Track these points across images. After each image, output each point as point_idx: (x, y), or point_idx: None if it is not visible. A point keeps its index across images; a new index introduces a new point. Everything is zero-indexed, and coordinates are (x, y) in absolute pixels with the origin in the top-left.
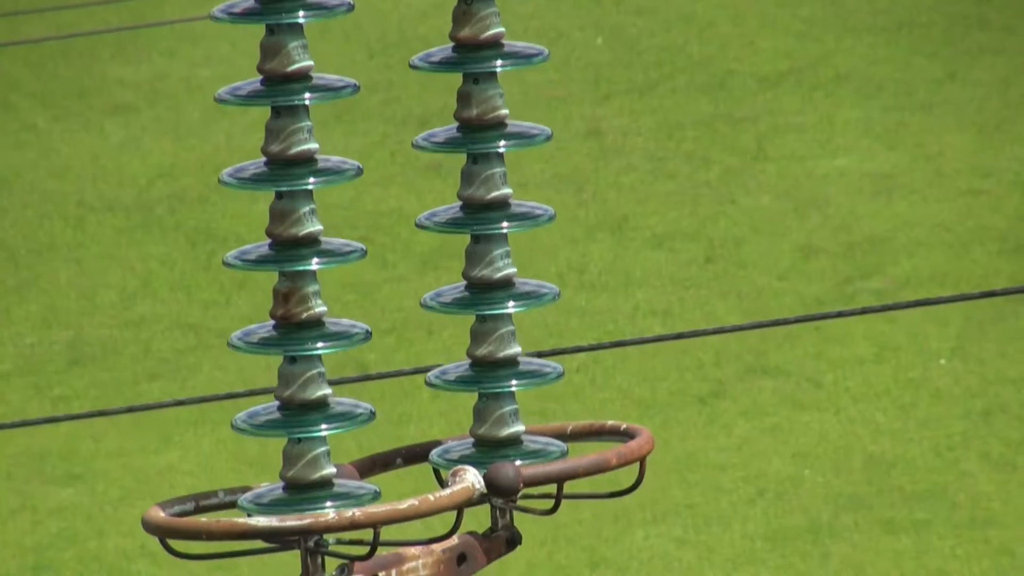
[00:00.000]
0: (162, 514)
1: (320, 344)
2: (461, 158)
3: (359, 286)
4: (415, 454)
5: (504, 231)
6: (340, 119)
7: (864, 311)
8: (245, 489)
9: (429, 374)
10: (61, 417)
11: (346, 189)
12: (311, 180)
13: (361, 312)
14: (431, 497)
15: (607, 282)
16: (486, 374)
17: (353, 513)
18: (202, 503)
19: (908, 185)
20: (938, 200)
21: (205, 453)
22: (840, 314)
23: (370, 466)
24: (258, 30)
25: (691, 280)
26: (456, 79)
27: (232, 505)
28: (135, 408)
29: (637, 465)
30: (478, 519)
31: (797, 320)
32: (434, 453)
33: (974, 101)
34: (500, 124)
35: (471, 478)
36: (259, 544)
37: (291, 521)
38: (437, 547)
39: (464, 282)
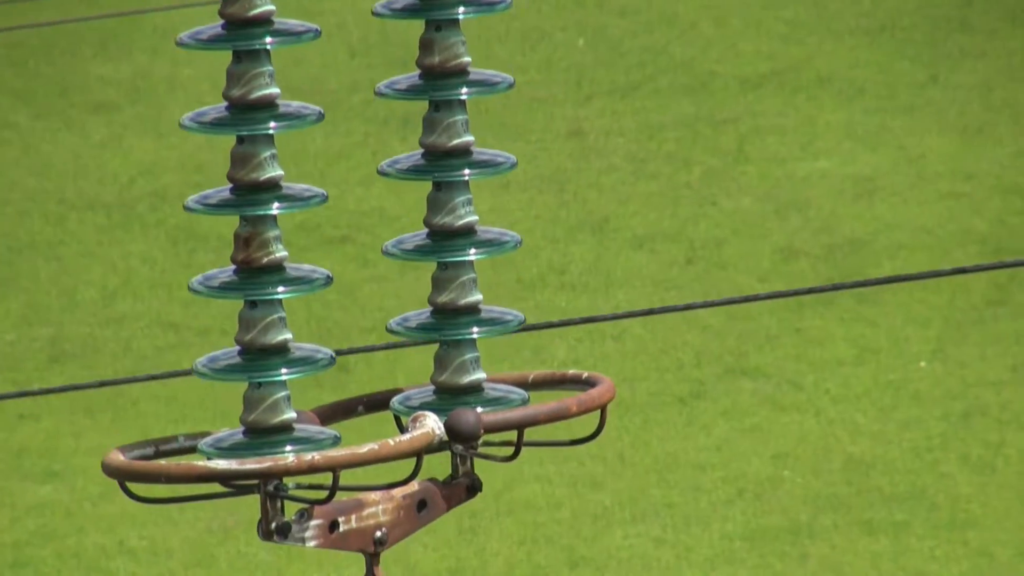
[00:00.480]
0: (122, 457)
1: (281, 288)
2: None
3: (340, 285)
4: (376, 402)
5: (465, 178)
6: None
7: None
8: (206, 434)
9: (390, 322)
10: (36, 392)
11: (328, 188)
12: (272, 124)
13: (342, 311)
14: (391, 442)
15: (588, 282)
16: (447, 321)
17: (312, 457)
18: (162, 448)
19: (889, 187)
20: (919, 203)
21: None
22: (812, 290)
23: (331, 414)
24: None
25: (672, 281)
26: None
27: (192, 450)
28: (107, 383)
29: (598, 413)
30: (439, 468)
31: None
32: (395, 400)
33: (956, 104)
34: (462, 71)
35: (431, 423)
36: (219, 488)
37: (250, 464)
38: (397, 493)
39: (426, 230)
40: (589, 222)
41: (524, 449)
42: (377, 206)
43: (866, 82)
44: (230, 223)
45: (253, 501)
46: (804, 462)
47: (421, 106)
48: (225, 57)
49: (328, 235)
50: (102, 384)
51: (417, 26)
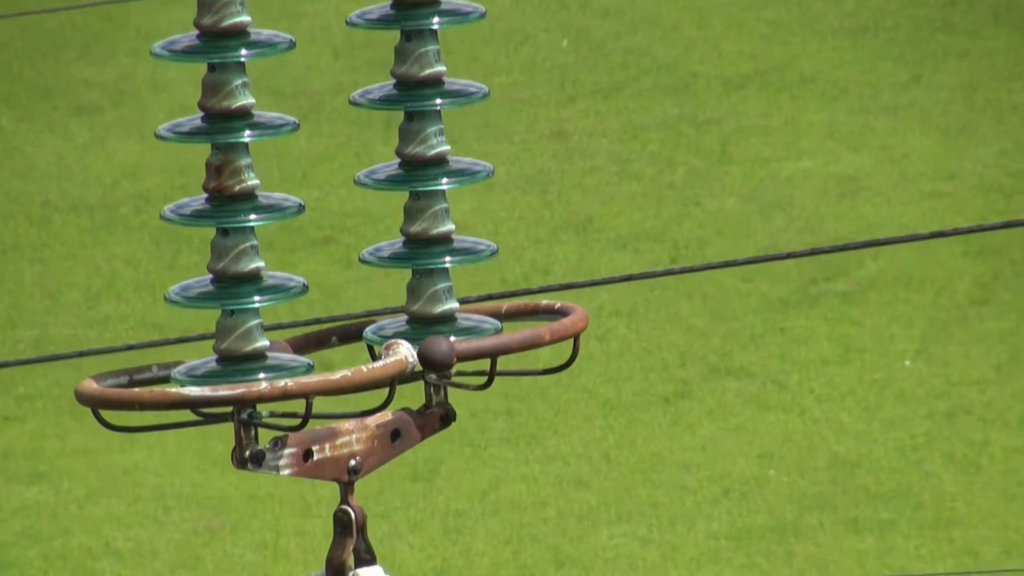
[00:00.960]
0: (95, 386)
1: (253, 216)
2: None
3: (324, 286)
4: (350, 333)
5: (437, 108)
6: (305, 119)
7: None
8: (179, 363)
9: (364, 252)
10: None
11: (311, 189)
12: (243, 52)
13: (326, 312)
14: (364, 368)
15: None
16: (420, 250)
17: (286, 383)
18: (136, 377)
19: (873, 187)
20: (903, 202)
21: (170, 452)
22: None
23: (304, 344)
24: None
25: (656, 281)
26: None
27: (166, 380)
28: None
29: (571, 342)
30: (413, 400)
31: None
32: (368, 330)
33: (939, 104)
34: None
35: (404, 351)
36: (193, 417)
37: (224, 391)
38: (371, 422)
39: (398, 160)
40: (573, 222)
41: (503, 440)
42: (361, 207)
43: (849, 82)
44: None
45: (241, 505)
46: (789, 461)
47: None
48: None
49: (312, 236)
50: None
51: None
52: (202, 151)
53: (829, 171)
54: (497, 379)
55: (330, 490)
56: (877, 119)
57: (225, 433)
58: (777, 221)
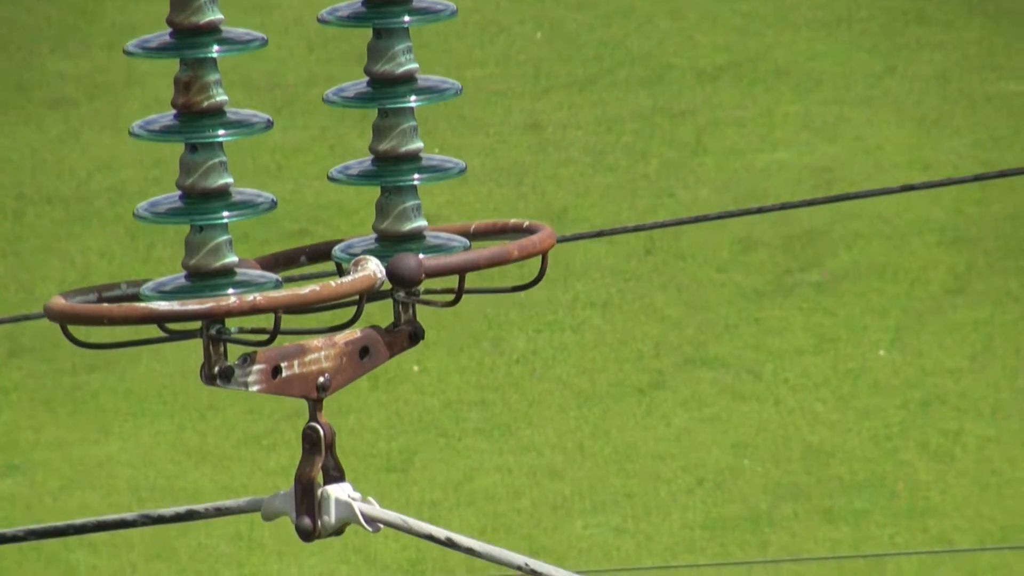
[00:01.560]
0: (64, 301)
1: (221, 132)
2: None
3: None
4: (319, 252)
5: (406, 25)
6: (279, 113)
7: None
8: (148, 280)
9: (332, 170)
10: None
11: (286, 182)
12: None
13: None
14: (333, 284)
15: (546, 274)
16: (388, 168)
17: (255, 298)
18: (104, 294)
19: (847, 178)
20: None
21: (144, 444)
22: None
23: (273, 264)
24: None
25: (630, 272)
26: None
27: (135, 298)
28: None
29: (539, 259)
30: (382, 318)
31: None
32: (337, 249)
33: (913, 95)
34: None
35: (373, 267)
36: (163, 334)
37: (192, 305)
38: (339, 339)
39: (366, 78)
40: (547, 214)
41: (477, 431)
42: (335, 200)
43: (823, 74)
44: None
45: (215, 496)
46: (764, 451)
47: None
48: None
49: (287, 229)
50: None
51: None
52: (177, 145)
53: (804, 162)
54: (472, 369)
55: None
56: (851, 110)
57: (199, 425)
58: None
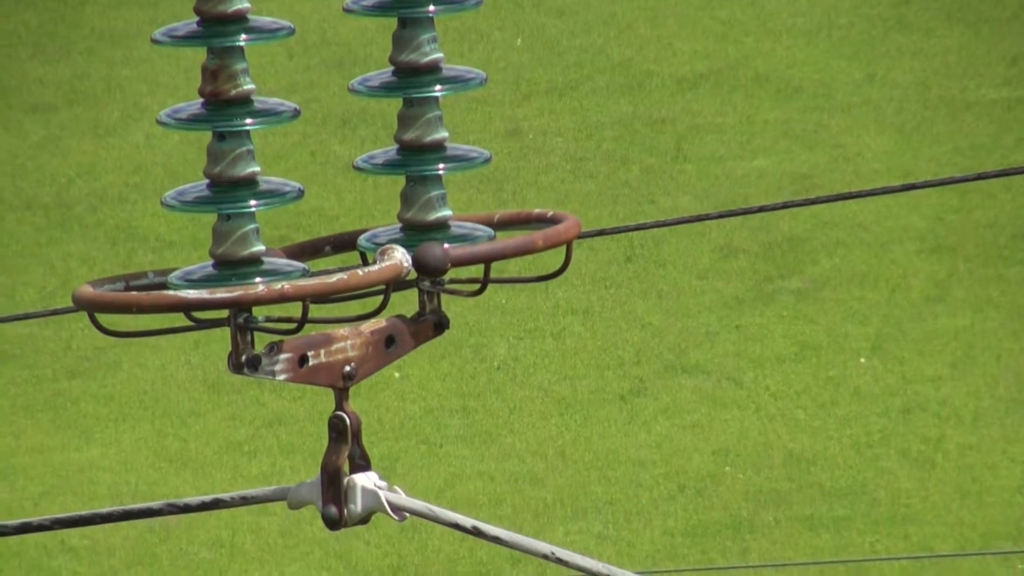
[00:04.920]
0: (92, 290)
1: (249, 120)
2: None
3: None
4: (344, 242)
5: (430, 14)
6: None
7: None
8: (175, 270)
9: (358, 160)
10: None
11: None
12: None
13: (281, 309)
14: (360, 272)
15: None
16: (413, 158)
17: (283, 286)
18: (132, 283)
19: (827, 186)
20: (857, 201)
21: (126, 450)
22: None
23: (299, 253)
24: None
25: (611, 279)
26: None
27: (162, 286)
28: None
29: (563, 249)
30: (407, 308)
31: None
32: (362, 238)
33: (893, 102)
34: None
35: (400, 256)
36: (189, 322)
37: (221, 294)
38: (365, 328)
39: (391, 67)
40: None
41: (459, 437)
42: (316, 206)
43: (803, 81)
44: (168, 223)
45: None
46: (745, 458)
47: (358, 106)
48: (166, 61)
49: (267, 236)
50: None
51: (356, 27)
52: (160, 148)
53: (783, 169)
54: (453, 376)
55: (289, 478)
56: (831, 117)
57: (180, 431)
58: (732, 220)
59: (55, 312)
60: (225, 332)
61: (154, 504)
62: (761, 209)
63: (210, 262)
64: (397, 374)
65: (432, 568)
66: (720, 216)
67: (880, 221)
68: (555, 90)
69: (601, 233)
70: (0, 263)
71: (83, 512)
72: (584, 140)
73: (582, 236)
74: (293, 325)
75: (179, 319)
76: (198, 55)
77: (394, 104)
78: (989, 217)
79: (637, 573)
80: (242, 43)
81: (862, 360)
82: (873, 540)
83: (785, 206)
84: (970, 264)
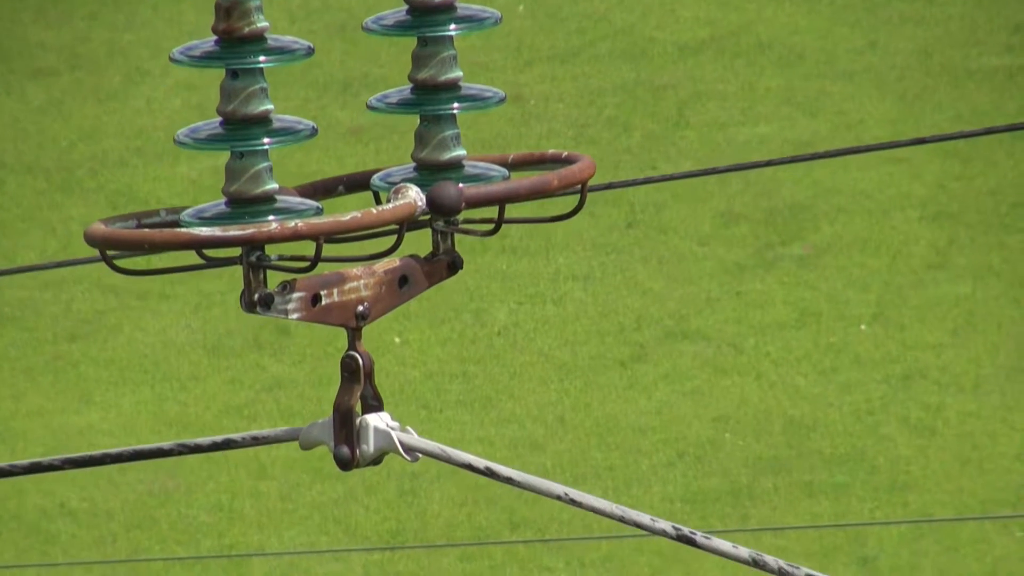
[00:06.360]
0: (104, 228)
1: (263, 58)
2: (383, 127)
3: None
4: (357, 182)
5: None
6: None
7: None
8: (186, 208)
9: (371, 99)
10: None
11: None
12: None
13: (281, 273)
14: (374, 211)
15: (528, 246)
16: (428, 97)
17: (296, 224)
18: (144, 221)
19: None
20: (859, 168)
21: (125, 413)
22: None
23: (311, 192)
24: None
25: (612, 245)
26: (371, 47)
27: (175, 224)
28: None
29: (578, 190)
30: (419, 248)
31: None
32: (376, 178)
33: (895, 70)
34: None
35: (413, 194)
36: (201, 261)
37: (234, 231)
38: (379, 267)
39: (406, 6)
40: None
41: (459, 403)
42: (316, 170)
43: (805, 48)
44: (169, 187)
45: (196, 466)
46: (745, 425)
47: (360, 72)
48: (168, 26)
49: None
50: None
51: None
52: (161, 112)
53: (785, 136)
54: (453, 341)
55: (285, 450)
56: (833, 84)
57: (180, 395)
58: (734, 186)
59: (60, 264)
60: (226, 296)
61: (165, 444)
62: (753, 166)
63: (223, 200)
64: (397, 339)
65: (431, 533)
66: (728, 170)
67: (882, 188)
68: (557, 56)
69: (610, 187)
70: (1, 226)
71: (94, 452)
72: (586, 106)
73: (592, 189)
74: (306, 264)
75: (191, 258)
76: (200, 20)
77: (397, 70)
78: (991, 184)
79: (652, 517)
80: (261, 64)
81: (863, 327)
82: (872, 507)
83: (769, 164)
84: (971, 231)
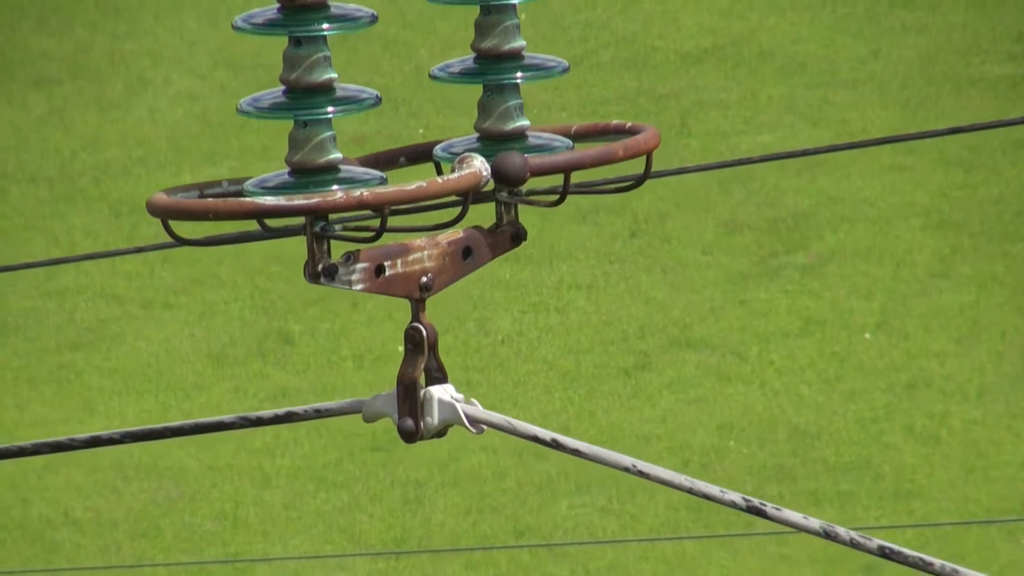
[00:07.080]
0: (167, 197)
1: (326, 25)
2: (387, 136)
3: (284, 259)
4: (418, 153)
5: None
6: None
7: None
8: (248, 179)
9: (433, 68)
10: None
11: (271, 162)
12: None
13: (285, 283)
14: (439, 180)
15: (531, 255)
16: (491, 66)
17: (361, 193)
18: (206, 191)
19: (831, 161)
20: (862, 176)
21: (129, 422)
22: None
23: (373, 163)
24: (179, 5)
25: (615, 254)
26: (373, 57)
27: (237, 194)
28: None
29: (644, 159)
30: (483, 220)
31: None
32: (438, 148)
33: (897, 78)
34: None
35: (478, 164)
36: (263, 230)
37: (299, 200)
38: (442, 239)
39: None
40: None
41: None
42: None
43: (808, 57)
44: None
45: (200, 475)
46: (749, 433)
47: (362, 81)
48: (170, 35)
49: None
50: None
51: None
52: (162, 122)
53: (788, 145)
54: (457, 350)
55: (289, 459)
56: (836, 93)
57: (184, 404)
58: (737, 194)
59: (59, 261)
60: (229, 305)
61: (226, 418)
62: (742, 163)
63: (286, 170)
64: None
65: (435, 541)
66: (727, 165)
67: (885, 197)
68: None
69: (610, 186)
70: (4, 236)
71: (155, 426)
72: (588, 115)
73: (593, 191)
74: (371, 234)
75: (251, 225)
76: (202, 28)
77: (399, 80)
78: (994, 193)
79: (721, 489)
80: (324, 32)
81: (867, 335)
82: (878, 515)
83: (764, 159)
84: (975, 240)
